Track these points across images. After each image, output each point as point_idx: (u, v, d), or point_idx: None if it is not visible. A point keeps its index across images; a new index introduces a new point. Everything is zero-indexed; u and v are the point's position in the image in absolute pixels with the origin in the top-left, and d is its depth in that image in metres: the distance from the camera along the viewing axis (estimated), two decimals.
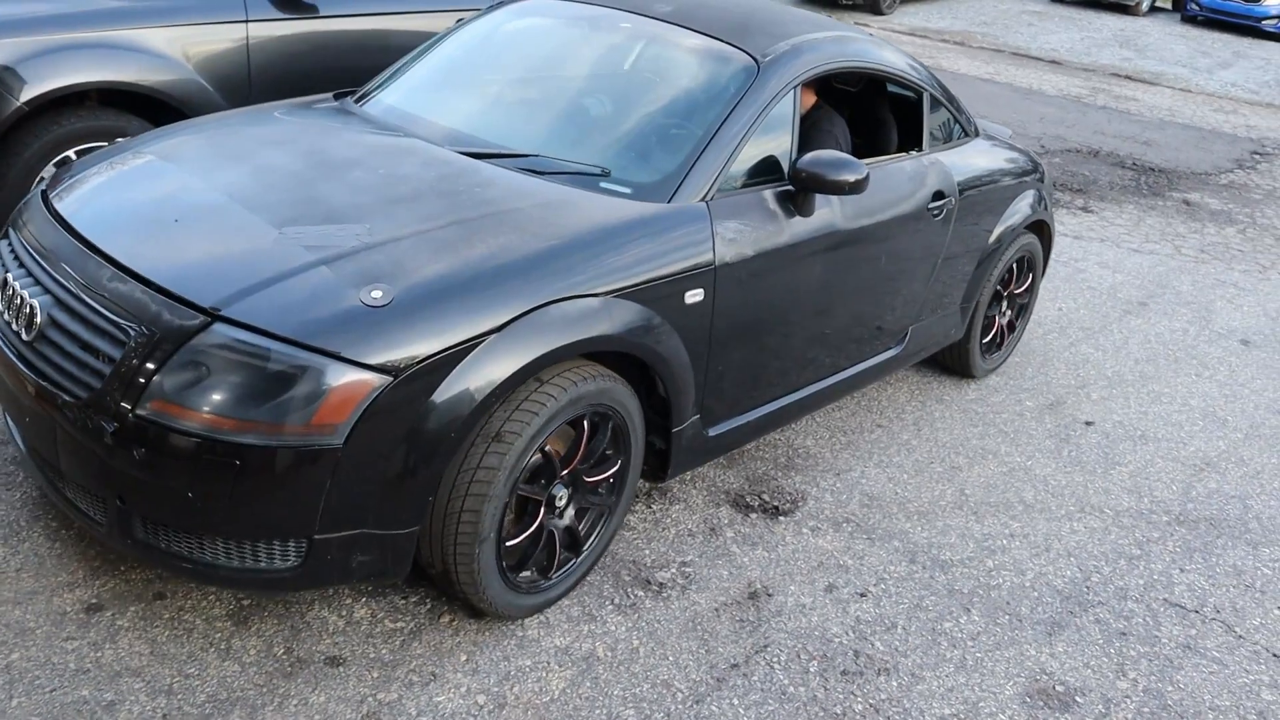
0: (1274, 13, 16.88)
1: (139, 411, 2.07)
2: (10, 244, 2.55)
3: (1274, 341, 5.31)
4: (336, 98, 3.38)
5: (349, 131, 2.97)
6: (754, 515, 3.30)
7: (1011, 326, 4.46)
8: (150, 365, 2.09)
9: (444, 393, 2.18)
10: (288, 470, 2.07)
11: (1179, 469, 3.93)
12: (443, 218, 2.45)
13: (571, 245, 2.45)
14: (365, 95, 3.34)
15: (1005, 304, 4.37)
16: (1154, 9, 18.90)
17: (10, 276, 2.41)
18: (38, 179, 3.83)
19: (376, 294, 2.17)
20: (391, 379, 2.11)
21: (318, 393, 2.05)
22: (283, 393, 2.05)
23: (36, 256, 2.41)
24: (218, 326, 2.10)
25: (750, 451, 3.66)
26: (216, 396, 2.05)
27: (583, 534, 2.68)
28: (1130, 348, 5.00)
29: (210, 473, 2.06)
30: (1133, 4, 17.92)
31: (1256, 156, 9.71)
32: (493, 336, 2.23)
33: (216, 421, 2.04)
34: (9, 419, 2.50)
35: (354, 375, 2.08)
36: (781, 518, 3.30)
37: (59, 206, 2.54)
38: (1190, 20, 17.88)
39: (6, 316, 2.39)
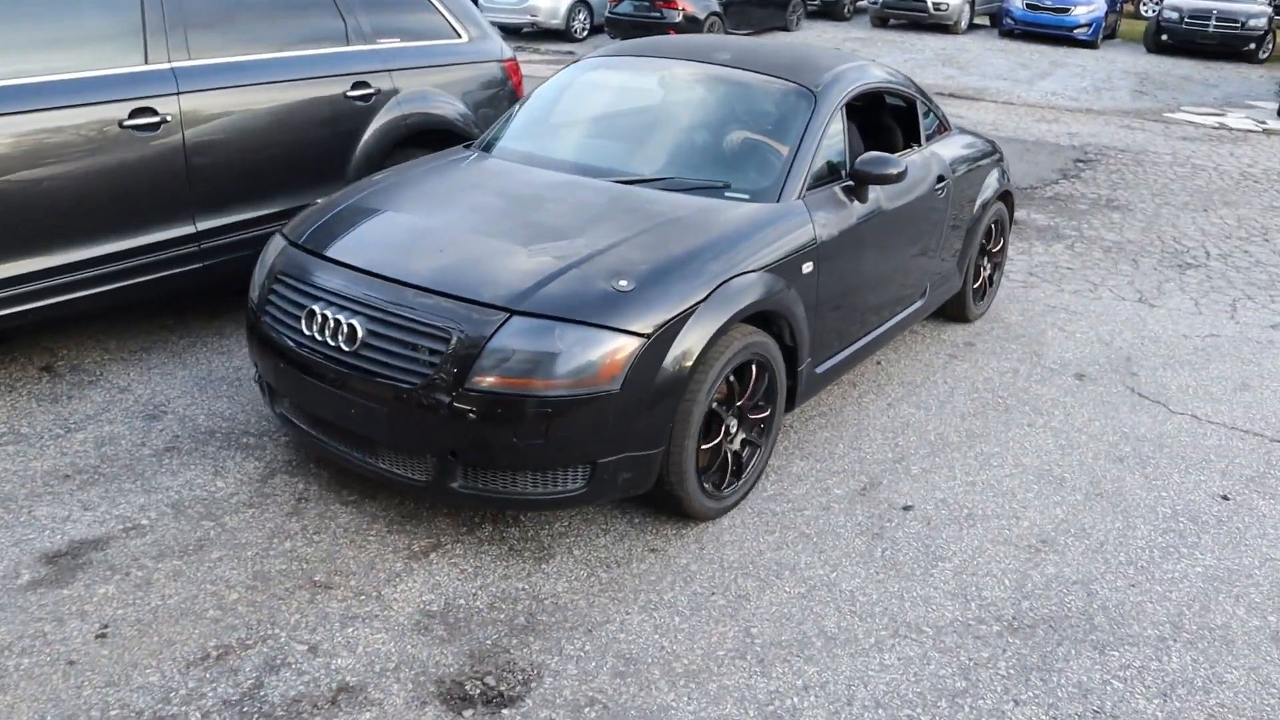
0: (1083, 20, 17.26)
1: (469, 386, 2.78)
2: (289, 285, 3.23)
3: (1108, 371, 4.80)
4: (465, 148, 4.18)
5: (514, 174, 3.72)
6: (471, 712, 2.49)
7: (991, 280, 5.41)
8: (471, 352, 2.79)
9: (677, 346, 2.94)
10: (584, 412, 2.80)
11: (1012, 554, 3.29)
12: (635, 228, 3.22)
13: (730, 237, 3.24)
14: (489, 144, 4.13)
15: (986, 260, 5.29)
16: (973, 26, 19.19)
17: (317, 308, 3.07)
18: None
19: (623, 283, 2.94)
20: (647, 339, 2.86)
21: (602, 354, 2.80)
22: (578, 357, 2.78)
23: (330, 289, 3.09)
24: (516, 319, 2.83)
25: (482, 613, 2.87)
26: (530, 366, 2.76)
27: (744, 461, 3.42)
28: (956, 401, 4.39)
29: (529, 422, 2.77)
30: (952, 23, 18.12)
31: (1080, 164, 9.50)
32: (702, 305, 3.01)
33: (534, 383, 2.75)
34: (306, 422, 3.27)
35: (624, 340, 2.83)
36: (507, 709, 2.50)
37: (322, 250, 3.26)
38: (1008, 34, 18.18)
39: (321, 337, 3.04)
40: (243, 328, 4.80)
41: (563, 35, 18.17)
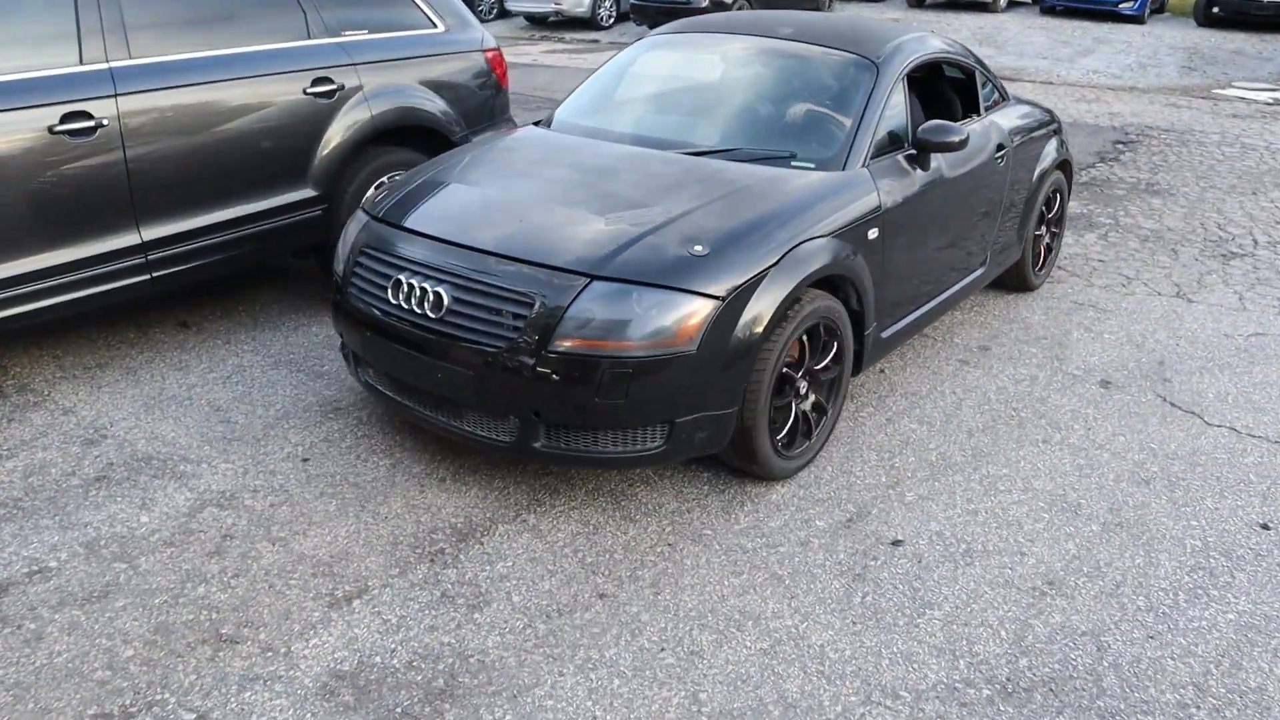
0: None
1: (552, 348, 2.88)
2: (375, 258, 3.33)
3: (1138, 378, 4.34)
4: (536, 125, 4.30)
5: (586, 148, 3.80)
6: None
7: (1049, 248, 5.38)
8: (553, 316, 2.89)
9: (751, 309, 3.00)
10: (663, 373, 2.89)
11: (1012, 599, 2.89)
12: (707, 196, 3.28)
13: (798, 204, 3.29)
14: (554, 118, 4.27)
15: (1045, 229, 5.28)
16: (1012, 4, 18.49)
17: (403, 278, 3.15)
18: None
19: (698, 248, 3.02)
20: (722, 302, 2.94)
21: (680, 316, 2.90)
22: (656, 320, 2.88)
23: (415, 260, 3.18)
24: (596, 284, 2.92)
25: (397, 673, 2.54)
26: (610, 329, 2.86)
27: (814, 422, 3.46)
28: (963, 414, 3.98)
29: (611, 382, 2.87)
30: (990, 1, 17.43)
31: (1120, 146, 8.94)
32: (773, 269, 3.07)
33: (614, 345, 2.85)
34: (391, 388, 3.37)
35: (700, 303, 2.92)
36: None
37: (405, 223, 3.37)
38: (1049, 11, 17.46)
39: (408, 305, 3.13)
40: (205, 338, 4.54)
41: (588, 23, 17.82)
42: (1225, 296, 5.36)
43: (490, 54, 5.46)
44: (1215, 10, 16.16)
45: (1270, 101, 11.31)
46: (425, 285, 3.13)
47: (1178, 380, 4.33)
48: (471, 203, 3.44)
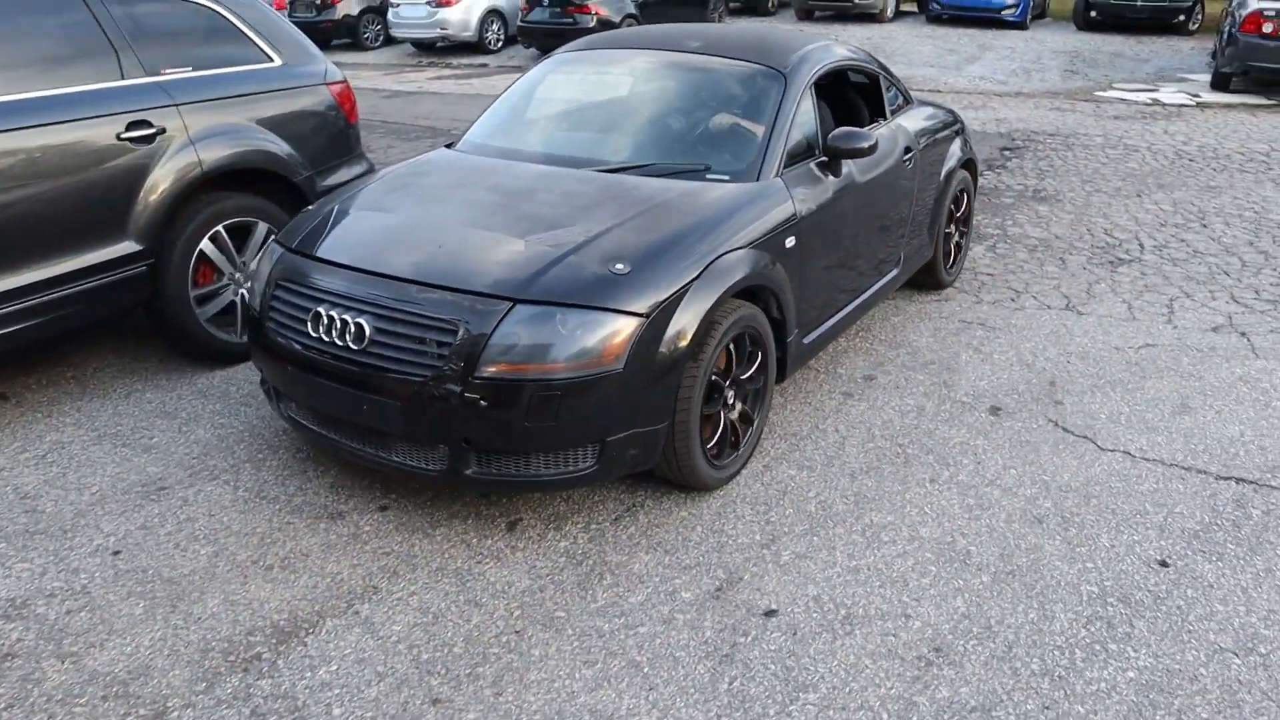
0: (1010, 1, 16.75)
1: (479, 375, 2.87)
2: (291, 290, 3.29)
3: (1029, 401, 4.14)
4: (448, 147, 4.22)
5: (500, 169, 3.80)
6: None
7: (959, 246, 5.48)
8: (478, 342, 2.88)
9: (675, 324, 3.04)
10: (591, 393, 2.90)
11: (896, 672, 2.61)
12: (625, 213, 3.32)
13: (715, 217, 3.35)
14: (464, 140, 4.24)
15: (954, 227, 5.36)
16: (900, 14, 18.67)
17: (322, 310, 3.13)
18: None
19: (620, 266, 3.05)
20: (646, 318, 2.97)
21: (605, 335, 2.91)
22: (581, 340, 2.88)
23: (333, 291, 3.16)
24: (520, 307, 2.92)
25: None
26: (536, 352, 2.86)
27: (741, 432, 3.49)
28: (846, 455, 3.71)
29: (539, 405, 2.87)
30: (878, 10, 17.59)
31: (1006, 153, 8.91)
32: (695, 282, 3.12)
33: (541, 367, 2.86)
34: (315, 423, 3.33)
35: (624, 321, 2.94)
36: None
37: (321, 254, 3.34)
38: (935, 20, 17.67)
39: (329, 338, 3.10)
40: (24, 410, 4.05)
41: (476, 48, 17.46)
42: (1114, 306, 5.23)
43: (335, 87, 5.07)
44: (1093, 14, 16.51)
45: (1149, 102, 11.49)
46: (345, 317, 3.09)
47: (1069, 401, 4.14)
48: (387, 229, 3.41)
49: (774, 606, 2.86)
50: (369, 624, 2.82)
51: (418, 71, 15.91)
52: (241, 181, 4.65)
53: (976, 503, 3.39)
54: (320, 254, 3.34)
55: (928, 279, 5.28)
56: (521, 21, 16.29)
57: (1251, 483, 3.50)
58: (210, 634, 2.79)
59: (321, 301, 3.17)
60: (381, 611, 2.87)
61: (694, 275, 3.12)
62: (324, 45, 19.14)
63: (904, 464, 3.64)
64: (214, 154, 4.41)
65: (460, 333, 2.91)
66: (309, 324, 3.17)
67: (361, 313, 3.07)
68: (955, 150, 5.18)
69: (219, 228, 4.50)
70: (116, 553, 3.18)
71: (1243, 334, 4.84)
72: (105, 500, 3.48)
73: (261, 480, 3.60)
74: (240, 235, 4.62)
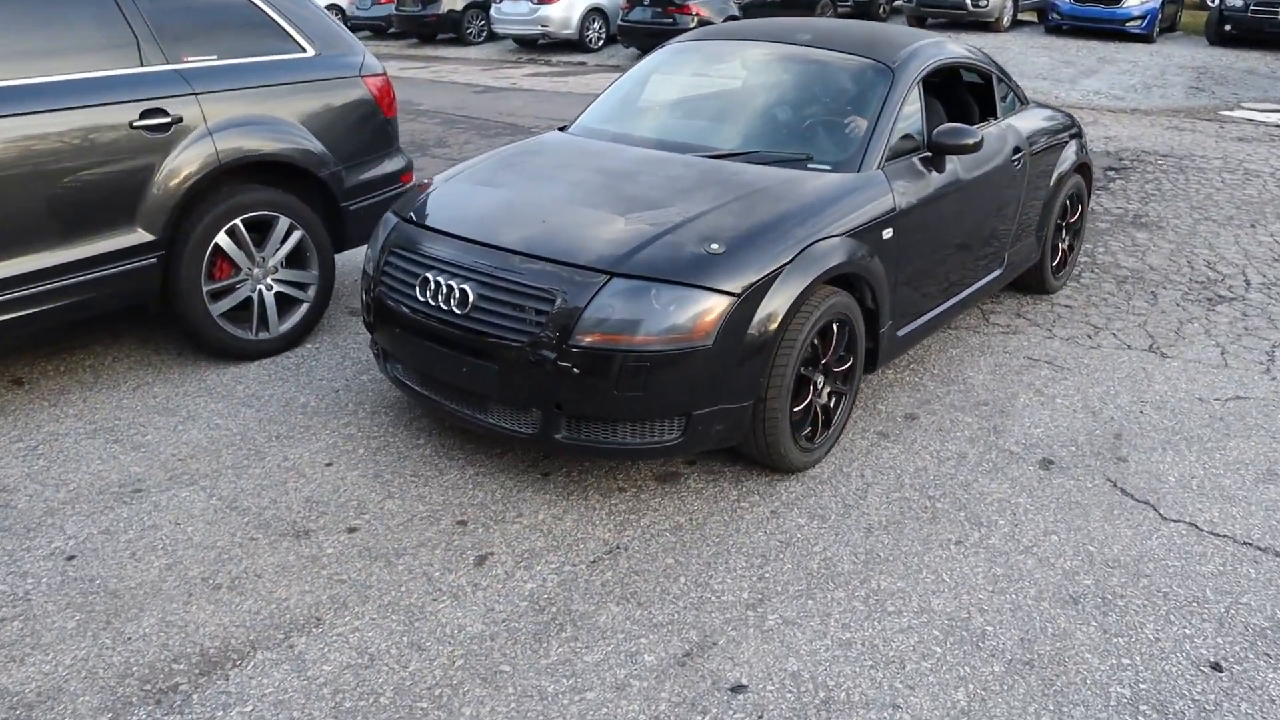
0: (1136, 12, 15.79)
1: (573, 343, 2.98)
2: (403, 257, 3.45)
3: (1087, 455, 3.67)
4: (561, 130, 4.37)
5: (607, 152, 3.92)
6: None
7: (1070, 248, 5.42)
8: (574, 312, 2.99)
9: (766, 306, 3.10)
10: (679, 367, 2.98)
11: None
12: (725, 197, 3.39)
13: (812, 205, 3.39)
14: (576, 124, 4.39)
15: (1065, 232, 5.32)
16: (1018, 23, 17.82)
17: (430, 275, 3.28)
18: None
19: (715, 246, 3.11)
20: (737, 298, 3.03)
21: (696, 312, 2.99)
22: (673, 315, 2.97)
23: (442, 259, 3.30)
24: (616, 280, 3.03)
25: None
26: (629, 324, 2.96)
27: (833, 411, 3.55)
28: (867, 505, 3.33)
29: (629, 375, 2.97)
30: (993, 19, 16.80)
31: (1111, 173, 8.25)
32: (788, 267, 3.17)
33: (632, 339, 2.95)
34: (418, 383, 3.48)
35: (716, 299, 3.01)
36: None
37: (433, 224, 3.50)
38: (1055, 30, 16.78)
39: (435, 302, 3.25)
40: (33, 398, 3.98)
41: (577, 46, 17.34)
42: (1206, 350, 4.68)
43: (372, 80, 4.89)
44: (1227, 28, 15.41)
45: None
46: (451, 283, 3.23)
47: (1135, 459, 3.65)
48: (496, 204, 3.56)
49: (744, 681, 2.51)
50: (300, 661, 2.58)
51: (515, 68, 15.86)
52: (264, 174, 4.50)
53: (1005, 573, 2.97)
54: (431, 224, 3.52)
55: (1034, 282, 5.20)
56: (621, 20, 16.10)
57: None
58: (135, 658, 2.60)
59: (430, 268, 3.33)
60: (317, 648, 2.63)
61: (788, 260, 3.18)
62: (428, 40, 19.33)
63: (930, 520, 3.24)
64: (233, 145, 4.26)
65: (557, 302, 3.03)
66: (417, 289, 3.34)
67: (466, 279, 3.22)
68: (1069, 155, 5.09)
69: (237, 221, 4.36)
70: (71, 558, 3.03)
71: None
72: (78, 499, 3.34)
73: (238, 489, 3.41)
74: (262, 230, 4.48)
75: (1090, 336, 4.82)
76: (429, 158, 8.94)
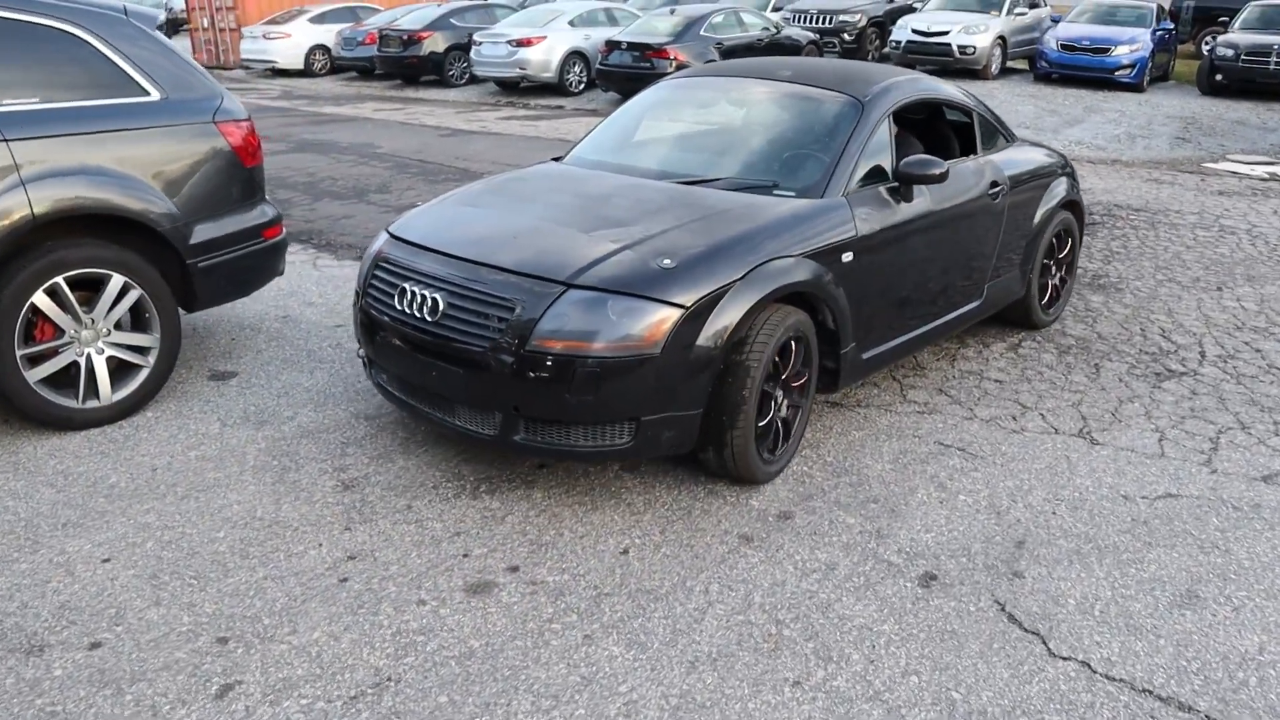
0: (1125, 61, 15.38)
1: (529, 348, 3.18)
2: (387, 270, 3.69)
3: (979, 569, 3.17)
4: (555, 160, 4.70)
5: (588, 178, 4.20)
6: None
7: (1062, 283, 5.47)
8: (532, 319, 3.20)
9: (715, 319, 3.27)
10: (630, 374, 3.16)
11: None
12: (686, 217, 3.61)
13: (770, 227, 3.58)
14: (569, 155, 4.72)
15: (1054, 268, 5.37)
16: (1007, 70, 17.46)
17: (408, 286, 3.52)
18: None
19: (667, 262, 3.30)
20: (686, 310, 3.21)
21: (647, 322, 3.17)
22: (624, 325, 3.16)
23: (419, 271, 3.54)
24: (572, 291, 3.23)
25: None
26: (582, 332, 3.16)
27: (791, 426, 3.71)
28: (702, 630, 2.82)
29: (581, 381, 3.14)
30: (980, 67, 16.44)
31: None
32: (738, 283, 3.34)
33: (585, 346, 3.14)
34: (397, 388, 3.69)
35: (665, 310, 3.20)
36: None
37: (415, 239, 3.73)
38: (1044, 79, 16.40)
39: (410, 311, 3.48)
40: None
41: (557, 89, 17.06)
42: (1142, 436, 4.17)
43: (230, 126, 4.48)
44: (1218, 78, 14.97)
45: (1266, 176, 10.10)
46: (425, 292, 3.45)
47: (1033, 574, 3.15)
48: (475, 221, 3.80)
49: None
50: None
51: (491, 110, 15.57)
52: (97, 228, 4.08)
53: None
54: (414, 239, 3.74)
55: (1021, 317, 5.27)
56: (600, 64, 15.81)
57: None
58: None
59: (408, 279, 3.56)
60: None
61: (738, 276, 3.35)
62: (411, 82, 19.11)
63: (770, 653, 2.73)
64: (49, 196, 3.85)
65: (517, 310, 3.24)
66: (396, 298, 3.56)
67: (439, 289, 3.44)
68: (1057, 191, 5.18)
69: (58, 279, 3.93)
70: None
71: None
72: None
73: None
74: (97, 288, 4.06)
75: (1015, 418, 4.33)
76: (365, 204, 8.56)
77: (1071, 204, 5.35)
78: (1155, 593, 3.07)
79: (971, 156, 4.71)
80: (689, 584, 3.05)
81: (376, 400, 4.42)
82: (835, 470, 3.80)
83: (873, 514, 3.48)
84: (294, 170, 10.13)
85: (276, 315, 5.60)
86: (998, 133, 5.01)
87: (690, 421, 3.33)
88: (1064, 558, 3.25)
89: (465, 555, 3.23)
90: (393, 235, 3.89)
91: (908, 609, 2.95)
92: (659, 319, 3.18)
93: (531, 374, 3.18)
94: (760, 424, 3.50)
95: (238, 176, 4.53)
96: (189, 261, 4.34)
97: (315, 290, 6.08)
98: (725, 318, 3.28)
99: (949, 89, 4.81)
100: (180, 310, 4.52)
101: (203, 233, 4.38)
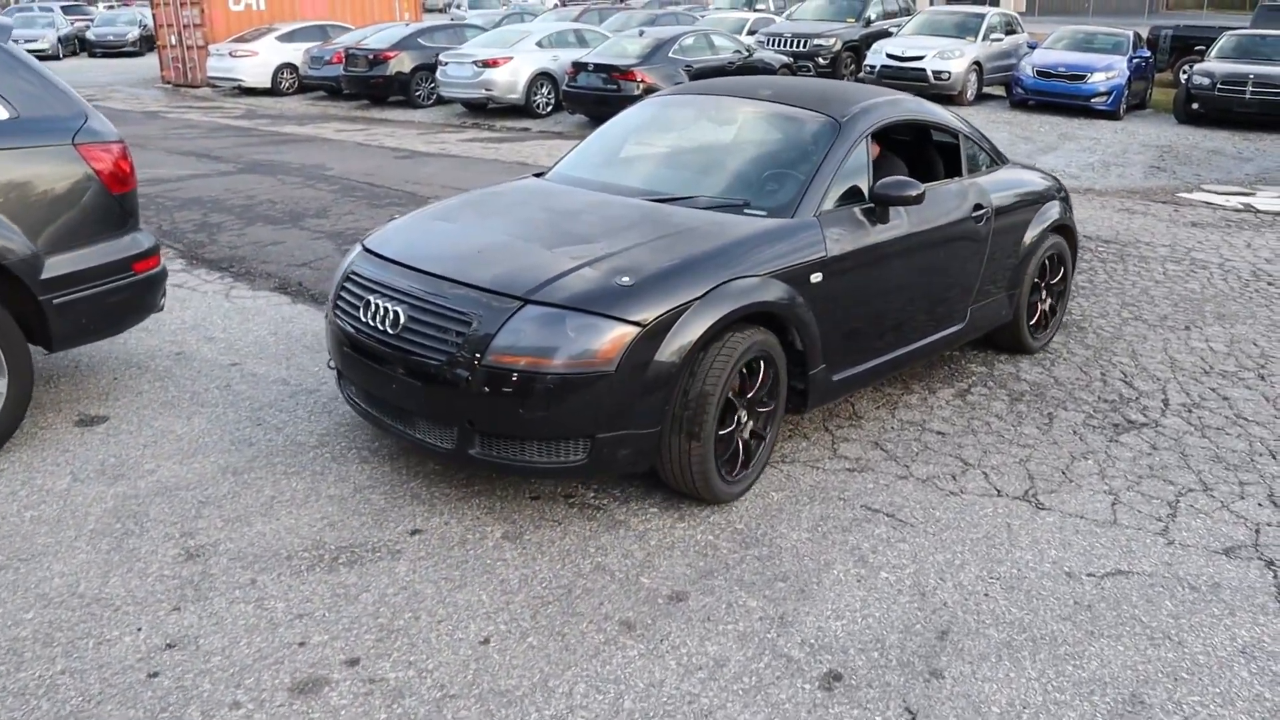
0: (1102, 89, 15.11)
1: (485, 362, 3.16)
2: (355, 282, 3.67)
3: (891, 668, 2.74)
4: (534, 175, 4.68)
5: (562, 194, 4.20)
6: None
7: (1053, 310, 5.40)
8: (489, 334, 3.18)
9: (673, 338, 3.24)
10: (584, 391, 3.13)
11: None
12: (651, 235, 3.59)
13: (736, 245, 3.54)
14: (550, 171, 4.69)
15: (1045, 293, 5.30)
16: (983, 96, 17.20)
17: (372, 299, 3.53)
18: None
19: (625, 279, 3.28)
20: (642, 329, 3.19)
21: (602, 340, 3.15)
22: (579, 342, 3.14)
23: (383, 284, 3.54)
24: (529, 307, 3.22)
25: None
26: (537, 348, 3.14)
27: (754, 448, 3.64)
28: None
29: (534, 397, 3.13)
30: (956, 93, 16.16)
31: None
32: (698, 302, 3.31)
33: (539, 362, 3.12)
34: (363, 400, 3.67)
35: (621, 328, 3.17)
36: None
37: (384, 252, 3.73)
38: (1020, 105, 16.12)
39: (372, 323, 3.48)
40: None
41: (523, 111, 16.70)
42: (1094, 499, 3.77)
43: (94, 149, 4.06)
44: (1195, 106, 14.67)
45: (1240, 207, 9.77)
46: (387, 305, 3.45)
47: (954, 673, 2.72)
48: (444, 236, 3.81)
49: None
50: None
51: (454, 132, 15.18)
52: None
53: None
54: (382, 252, 3.74)
55: (1009, 341, 5.19)
56: (567, 86, 15.46)
57: None
58: None
59: (373, 291, 3.56)
60: None
61: (698, 294, 3.31)
62: (379, 102, 18.74)
63: None
64: None
65: (474, 324, 3.22)
66: (361, 310, 3.55)
67: (401, 302, 3.43)
68: (1048, 214, 5.12)
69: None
70: None
71: (1270, 564, 3.34)
72: None
73: None
74: None
75: (955, 476, 3.92)
76: (299, 229, 8.14)
77: (1063, 228, 5.30)
78: (1094, 698, 2.65)
79: (956, 179, 4.67)
80: (551, 683, 2.62)
81: (250, 452, 3.99)
82: (745, 540, 3.38)
83: (779, 595, 3.06)
84: (234, 193, 9.71)
85: (170, 352, 5.16)
86: (986, 155, 4.96)
87: (647, 440, 3.28)
88: (992, 651, 2.83)
89: (302, 644, 2.79)
90: (366, 248, 3.88)
91: (802, 718, 2.52)
92: (615, 336, 3.15)
93: (486, 388, 3.16)
94: (723, 441, 3.43)
95: (102, 204, 4.11)
96: (42, 298, 3.91)
97: (220, 324, 5.64)
98: (684, 336, 3.24)
99: (935, 110, 4.77)
100: (43, 350, 4.09)
101: (58, 266, 3.95)
